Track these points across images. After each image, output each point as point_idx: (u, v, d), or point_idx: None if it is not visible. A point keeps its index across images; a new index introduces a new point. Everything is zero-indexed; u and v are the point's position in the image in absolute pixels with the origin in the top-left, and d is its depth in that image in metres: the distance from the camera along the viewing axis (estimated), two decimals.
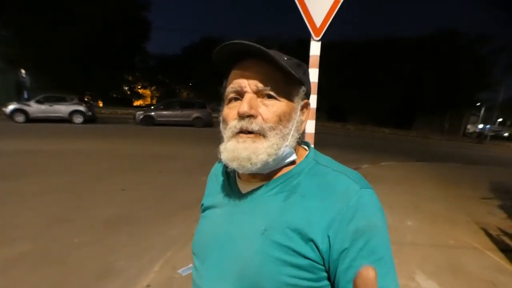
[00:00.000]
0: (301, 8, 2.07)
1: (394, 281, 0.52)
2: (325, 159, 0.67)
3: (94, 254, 2.83)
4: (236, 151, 0.59)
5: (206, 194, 0.77)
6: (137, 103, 38.59)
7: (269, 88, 0.59)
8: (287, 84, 0.61)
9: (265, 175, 0.64)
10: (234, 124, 0.60)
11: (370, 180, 1.36)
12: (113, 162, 6.66)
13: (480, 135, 28.28)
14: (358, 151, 11.12)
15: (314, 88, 2.01)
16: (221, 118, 0.65)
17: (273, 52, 0.58)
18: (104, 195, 4.50)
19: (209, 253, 0.64)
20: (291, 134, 0.62)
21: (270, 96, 0.60)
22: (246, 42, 0.56)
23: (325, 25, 2.05)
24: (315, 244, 0.53)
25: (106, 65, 26.46)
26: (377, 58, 27.30)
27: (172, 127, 14.98)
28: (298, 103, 0.64)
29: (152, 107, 16.41)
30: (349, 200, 0.55)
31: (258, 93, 0.60)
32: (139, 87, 39.16)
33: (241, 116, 0.59)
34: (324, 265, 0.54)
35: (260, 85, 0.59)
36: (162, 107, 15.85)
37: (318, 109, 2.13)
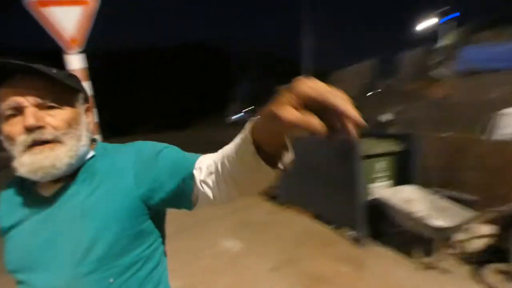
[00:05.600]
0: (45, 23, 1.92)
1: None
2: (111, 145, 0.82)
3: None
4: (36, 162, 0.63)
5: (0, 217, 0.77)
6: None
7: (49, 100, 0.65)
8: (64, 94, 0.68)
9: (68, 175, 0.71)
10: (23, 138, 0.63)
11: None
12: None
13: (234, 123, 35.50)
14: None
15: (92, 102, 1.97)
16: (2, 136, 0.66)
17: (40, 66, 0.63)
18: None
19: (38, 259, 0.68)
20: (83, 135, 0.72)
21: (52, 107, 0.66)
22: (12, 60, 0.59)
23: (81, 38, 2.02)
24: (129, 195, 0.70)
25: None
26: (147, 67, 28.26)
27: None
28: (81, 108, 0.73)
29: None
30: (130, 150, 0.76)
31: (39, 106, 0.64)
32: None
33: (29, 129, 0.62)
34: (142, 203, 0.72)
35: (39, 99, 0.64)
36: None
37: (101, 124, 2.11)
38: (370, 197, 3.50)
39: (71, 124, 0.68)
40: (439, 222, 3.00)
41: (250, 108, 31.08)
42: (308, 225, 4.09)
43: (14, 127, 0.63)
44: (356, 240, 3.48)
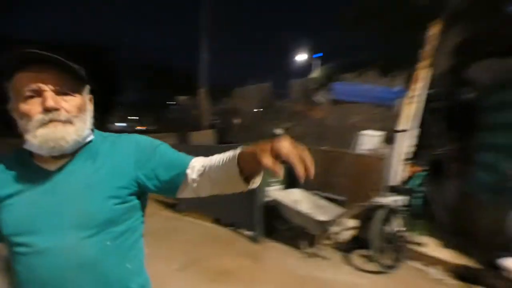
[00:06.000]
0: None
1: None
2: (105, 133, 0.94)
3: None
4: (50, 134, 0.75)
5: None
6: None
7: (65, 88, 0.78)
8: (76, 83, 0.81)
9: (70, 154, 0.82)
10: (41, 117, 0.75)
11: None
12: None
13: (118, 131, 33.18)
14: None
15: None
16: (17, 113, 0.77)
17: (61, 59, 0.75)
18: None
19: (42, 223, 0.77)
20: (88, 119, 0.85)
21: (66, 94, 0.78)
22: (41, 51, 0.72)
23: None
24: (126, 176, 0.85)
25: None
26: None
27: None
28: (86, 97, 0.86)
29: None
30: (130, 140, 0.91)
31: (56, 92, 0.76)
32: None
33: (48, 110, 0.74)
34: (136, 185, 0.86)
35: (57, 86, 0.76)
36: None
37: None
38: (266, 199, 3.92)
39: (81, 109, 0.81)
40: (320, 217, 3.63)
41: (135, 117, 29.17)
42: (209, 228, 4.20)
43: (33, 106, 0.75)
44: (254, 238, 3.79)
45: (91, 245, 0.78)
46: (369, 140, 4.02)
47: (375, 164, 3.88)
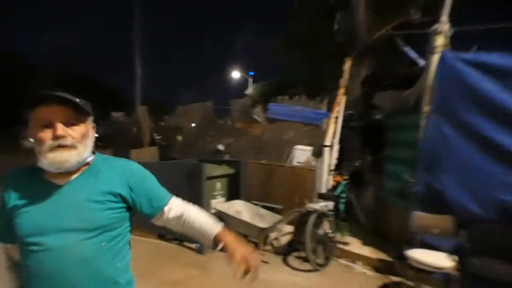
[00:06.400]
0: None
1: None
2: (105, 156, 1.17)
3: None
4: (57, 157, 0.95)
5: (9, 198, 1.02)
6: None
7: (71, 119, 0.98)
8: (81, 115, 1.01)
9: (73, 172, 1.02)
10: (51, 143, 0.95)
11: None
12: None
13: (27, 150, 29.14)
14: None
15: None
16: (33, 138, 0.98)
17: (71, 97, 0.97)
18: None
19: (51, 226, 0.97)
20: (89, 144, 1.04)
21: (73, 124, 0.98)
22: (54, 93, 0.95)
23: None
24: (120, 194, 1.06)
25: None
26: None
27: None
28: (90, 125, 1.07)
29: None
30: (126, 167, 1.15)
31: (64, 123, 0.96)
32: None
33: (57, 137, 0.94)
34: (126, 202, 1.08)
35: (65, 118, 0.97)
36: None
37: None
38: (210, 211, 4.10)
39: (84, 136, 1.01)
40: (261, 224, 3.97)
41: None
42: (155, 244, 4.16)
43: (45, 134, 0.95)
44: (199, 250, 3.92)
45: (89, 245, 0.98)
46: (301, 154, 4.59)
47: (307, 175, 4.43)
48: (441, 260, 2.92)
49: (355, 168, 5.13)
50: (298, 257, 4.00)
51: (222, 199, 4.43)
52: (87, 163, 1.06)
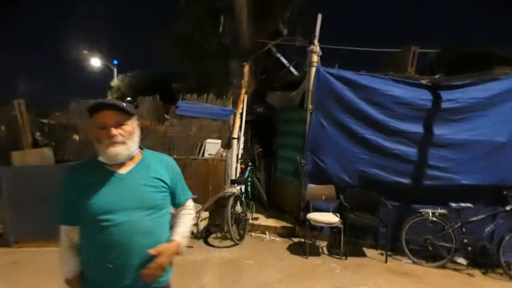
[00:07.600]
0: None
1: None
2: (151, 151, 1.46)
3: None
4: (113, 151, 1.24)
5: (76, 186, 1.27)
6: None
7: (121, 121, 1.25)
8: (128, 116, 1.28)
9: (127, 162, 1.32)
10: (108, 140, 1.22)
11: None
12: None
13: None
14: None
15: None
16: (94, 138, 1.25)
17: (120, 103, 1.26)
18: None
19: (117, 206, 1.23)
20: (136, 140, 1.33)
21: (122, 124, 1.26)
22: (112, 102, 1.30)
23: None
24: (166, 182, 1.37)
25: None
26: None
27: None
28: (135, 123, 1.34)
29: None
30: (169, 162, 1.46)
31: (115, 125, 1.24)
32: None
33: (112, 137, 1.22)
34: (170, 188, 1.39)
35: (116, 120, 1.24)
36: None
37: None
38: None
39: (131, 133, 1.28)
40: None
41: None
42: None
43: (102, 135, 1.22)
44: None
45: (148, 220, 1.27)
46: (212, 146, 5.10)
47: (218, 165, 4.99)
48: (330, 218, 4.13)
49: (254, 155, 6.07)
50: (216, 238, 4.61)
51: None
52: (138, 156, 1.35)
